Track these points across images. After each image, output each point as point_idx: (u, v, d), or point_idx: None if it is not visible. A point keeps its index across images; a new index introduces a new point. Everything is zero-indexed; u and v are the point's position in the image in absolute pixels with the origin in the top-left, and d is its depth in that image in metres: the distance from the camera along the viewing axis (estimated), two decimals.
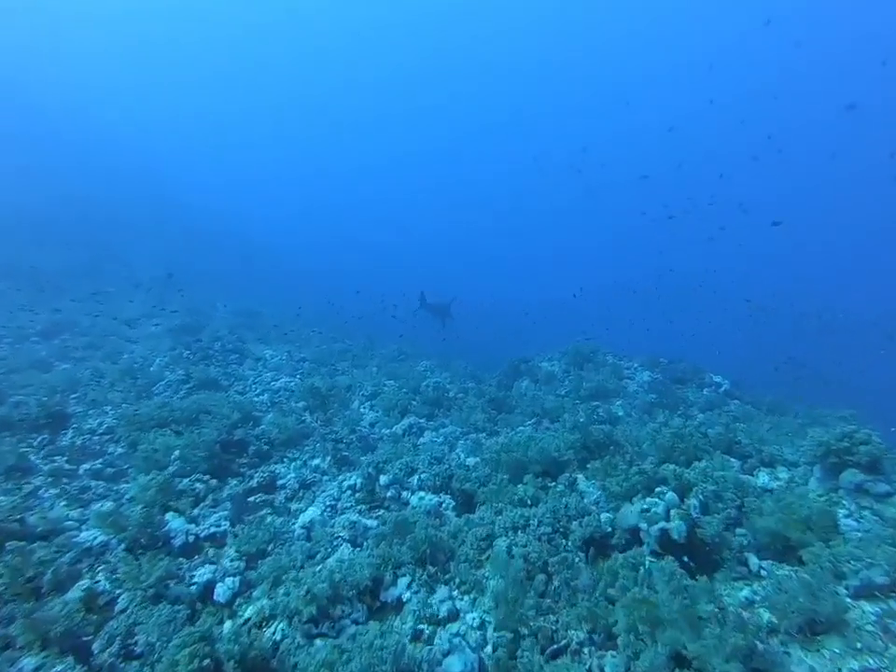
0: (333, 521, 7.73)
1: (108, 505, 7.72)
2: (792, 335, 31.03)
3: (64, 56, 65.56)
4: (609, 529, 6.53)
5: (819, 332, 30.93)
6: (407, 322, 24.02)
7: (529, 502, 8.01)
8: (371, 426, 12.35)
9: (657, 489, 6.38)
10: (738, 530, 6.37)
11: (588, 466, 9.08)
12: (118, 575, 5.99)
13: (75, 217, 31.50)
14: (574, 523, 6.73)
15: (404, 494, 8.27)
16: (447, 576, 6.07)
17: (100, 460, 9.47)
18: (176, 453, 9.09)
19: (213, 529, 7.12)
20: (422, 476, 8.47)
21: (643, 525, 5.92)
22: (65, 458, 9.43)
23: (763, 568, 5.72)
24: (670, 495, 6.11)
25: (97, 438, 10.15)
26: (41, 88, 54.51)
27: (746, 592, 5.45)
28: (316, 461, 9.64)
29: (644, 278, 37.17)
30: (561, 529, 6.68)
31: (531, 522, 6.78)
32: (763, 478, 8.46)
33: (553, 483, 8.62)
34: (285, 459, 10.12)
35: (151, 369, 14.47)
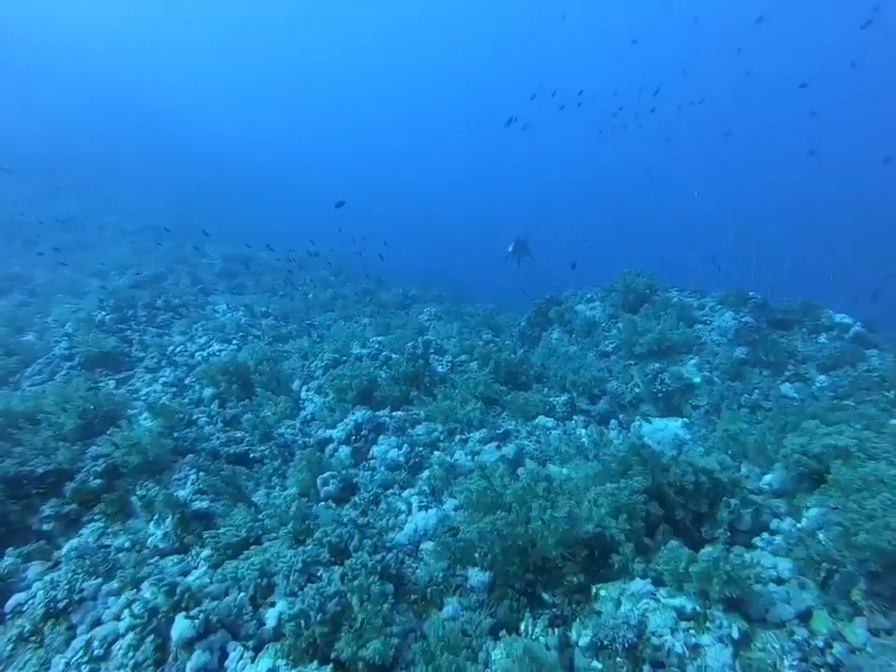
0: None
1: None
2: None
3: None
4: None
5: None
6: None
7: None
8: (307, 422, 7.36)
9: None
10: None
11: (661, 559, 3.79)
12: None
13: (75, 164, 27.30)
14: None
15: (233, 662, 3.26)
16: None
17: None
18: None
19: None
20: (278, 616, 3.39)
21: None
22: None
23: None
24: None
25: None
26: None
27: None
28: (152, 528, 4.77)
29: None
30: None
31: None
32: None
33: (579, 634, 3.37)
34: (134, 499, 5.38)
35: (54, 339, 9.99)
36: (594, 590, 3.84)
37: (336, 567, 3.68)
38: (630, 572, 3.87)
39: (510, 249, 15.21)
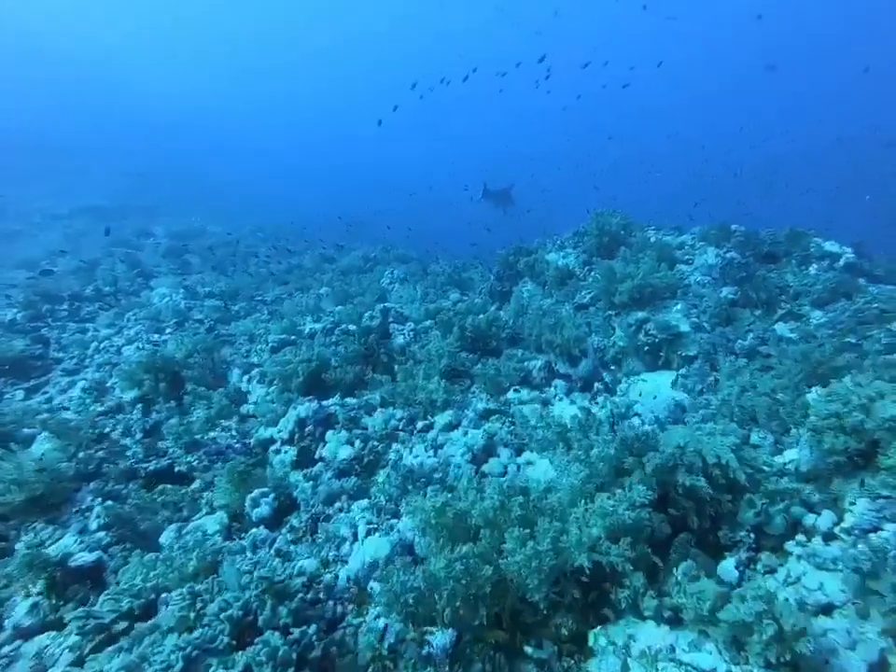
0: None
1: None
2: None
3: None
4: None
5: None
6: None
7: None
8: (244, 420, 6.16)
9: None
10: None
11: (678, 591, 2.75)
12: None
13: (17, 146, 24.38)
14: None
15: None
16: None
17: None
18: None
19: None
20: None
21: None
22: None
23: None
24: None
25: None
26: None
27: None
28: (20, 596, 3.62)
29: None
30: None
31: None
32: None
33: None
34: (19, 546, 4.19)
35: None
36: (591, 637, 2.84)
37: (239, 654, 2.60)
38: (638, 608, 2.87)
39: (479, 195, 15.58)
